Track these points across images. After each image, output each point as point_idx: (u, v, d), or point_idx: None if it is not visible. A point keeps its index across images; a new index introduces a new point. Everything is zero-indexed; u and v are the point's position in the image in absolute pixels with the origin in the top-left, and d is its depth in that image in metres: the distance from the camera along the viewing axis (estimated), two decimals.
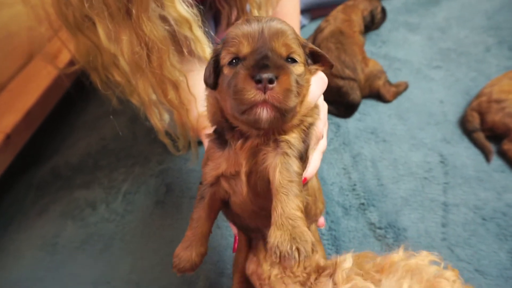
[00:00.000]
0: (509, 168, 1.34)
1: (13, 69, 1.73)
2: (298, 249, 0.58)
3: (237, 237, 0.97)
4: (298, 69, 0.67)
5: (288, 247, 0.58)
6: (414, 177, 1.37)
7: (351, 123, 1.61)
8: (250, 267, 0.88)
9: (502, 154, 1.37)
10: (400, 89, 1.67)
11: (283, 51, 0.65)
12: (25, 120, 1.59)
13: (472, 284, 0.75)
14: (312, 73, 0.74)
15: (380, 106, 1.66)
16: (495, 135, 1.40)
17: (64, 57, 1.58)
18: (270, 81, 0.59)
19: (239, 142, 0.70)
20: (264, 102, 0.61)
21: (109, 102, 1.22)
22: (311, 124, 0.73)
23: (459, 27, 1.95)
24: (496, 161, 1.37)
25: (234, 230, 0.96)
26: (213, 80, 0.71)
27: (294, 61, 0.67)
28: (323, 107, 0.87)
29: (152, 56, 0.97)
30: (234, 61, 0.66)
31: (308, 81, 0.72)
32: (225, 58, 0.67)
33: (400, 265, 0.71)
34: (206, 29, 1.03)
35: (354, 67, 1.61)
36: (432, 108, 1.59)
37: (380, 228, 1.25)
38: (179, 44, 1.02)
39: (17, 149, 1.58)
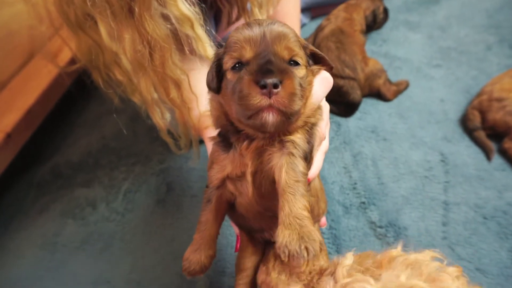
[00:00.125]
0: (510, 166, 1.34)
1: (14, 68, 1.72)
2: (306, 248, 0.58)
3: (239, 237, 0.97)
4: (300, 71, 0.67)
5: (297, 246, 0.58)
6: (414, 176, 1.37)
7: (351, 122, 1.61)
8: (260, 277, 0.90)
9: (503, 153, 1.37)
10: (401, 88, 1.67)
11: (286, 54, 0.65)
12: (26, 119, 1.59)
13: (473, 283, 0.75)
14: (314, 73, 0.74)
15: (381, 105, 1.66)
16: (496, 133, 1.41)
17: (65, 56, 1.57)
18: (275, 86, 0.60)
19: (245, 143, 0.70)
20: (270, 107, 0.61)
21: (110, 101, 1.22)
22: (314, 125, 0.74)
23: (459, 25, 1.95)
24: (497, 159, 1.37)
25: (236, 230, 0.97)
26: (216, 84, 0.71)
27: (296, 63, 0.67)
28: (325, 107, 0.87)
29: (154, 54, 0.97)
30: (237, 65, 0.66)
31: (310, 83, 0.72)
32: (228, 63, 0.68)
33: (399, 260, 0.71)
34: (208, 28, 1.03)
35: (354, 66, 1.60)
36: (432, 106, 1.60)
37: (380, 227, 1.25)
38: (181, 43, 1.01)
39: (18, 148, 1.58)
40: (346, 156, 1.49)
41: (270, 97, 0.60)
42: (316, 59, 0.75)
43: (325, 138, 0.86)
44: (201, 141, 1.29)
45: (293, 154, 0.67)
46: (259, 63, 0.62)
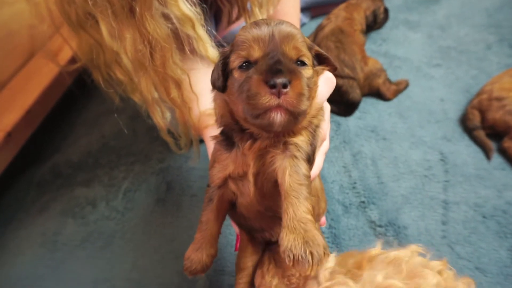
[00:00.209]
0: (509, 166, 1.34)
1: (14, 67, 1.72)
2: (311, 253, 0.58)
3: (239, 236, 0.97)
4: (307, 72, 0.67)
5: (302, 251, 0.58)
6: (414, 175, 1.38)
7: (351, 121, 1.62)
8: (257, 280, 0.90)
9: (503, 152, 1.38)
10: (401, 87, 1.67)
11: (293, 55, 0.65)
12: (26, 118, 1.59)
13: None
14: (319, 73, 0.75)
15: (381, 104, 1.66)
16: (496, 133, 1.41)
17: (66, 55, 1.58)
18: (284, 86, 0.60)
19: (248, 143, 0.70)
20: (278, 107, 0.61)
21: (110, 100, 1.22)
22: (316, 126, 0.74)
23: (459, 25, 1.96)
24: (497, 159, 1.37)
25: (236, 229, 0.97)
26: (222, 83, 0.71)
27: (303, 64, 0.67)
28: (327, 108, 0.87)
29: (155, 54, 0.97)
30: (244, 64, 0.66)
31: (316, 83, 0.72)
32: (235, 62, 0.67)
33: (379, 258, 0.71)
34: (209, 28, 1.03)
35: (353, 66, 1.61)
36: (432, 106, 1.60)
37: (380, 226, 1.26)
38: (181, 42, 1.01)
39: (18, 147, 1.58)
40: (346, 155, 1.49)
41: (279, 97, 0.60)
42: (320, 60, 0.75)
43: (326, 138, 0.87)
44: (201, 141, 1.29)
45: (296, 157, 0.67)
46: (268, 62, 0.62)
